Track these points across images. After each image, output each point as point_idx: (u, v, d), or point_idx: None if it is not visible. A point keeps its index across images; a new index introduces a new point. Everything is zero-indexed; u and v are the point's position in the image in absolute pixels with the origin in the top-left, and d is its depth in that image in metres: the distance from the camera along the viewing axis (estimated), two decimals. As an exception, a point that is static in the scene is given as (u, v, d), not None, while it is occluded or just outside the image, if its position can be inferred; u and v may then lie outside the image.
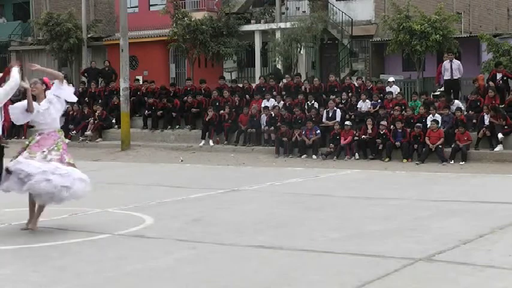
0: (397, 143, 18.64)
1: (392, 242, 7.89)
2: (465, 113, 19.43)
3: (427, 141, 18.20)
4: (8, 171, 8.39)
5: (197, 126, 22.75)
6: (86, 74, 27.54)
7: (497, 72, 20.64)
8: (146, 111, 23.84)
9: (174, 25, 28.48)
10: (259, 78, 24.92)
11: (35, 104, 8.70)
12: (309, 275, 6.51)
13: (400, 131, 18.76)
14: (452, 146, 18.07)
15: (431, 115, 18.97)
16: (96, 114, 23.95)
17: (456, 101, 20.09)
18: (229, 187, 13.17)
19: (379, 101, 20.69)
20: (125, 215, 10.11)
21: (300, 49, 28.16)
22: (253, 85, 24.20)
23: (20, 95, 26.03)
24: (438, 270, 6.62)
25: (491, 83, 20.06)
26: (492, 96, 19.28)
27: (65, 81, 9.17)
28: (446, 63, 21.23)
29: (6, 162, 8.55)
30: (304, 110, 21.15)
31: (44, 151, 8.55)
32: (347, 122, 19.66)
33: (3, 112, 8.71)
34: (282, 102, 21.83)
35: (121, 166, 18.43)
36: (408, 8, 24.26)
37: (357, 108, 20.81)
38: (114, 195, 12.37)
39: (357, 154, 19.03)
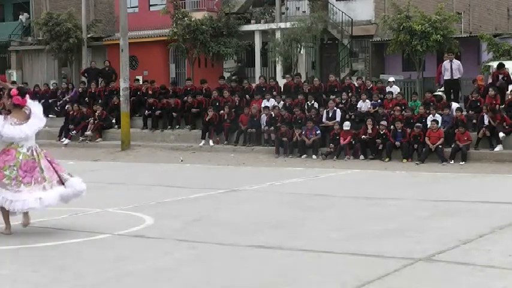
0: (397, 143, 18.64)
1: (392, 242, 7.89)
2: (465, 113, 19.44)
3: (427, 141, 18.20)
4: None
5: (197, 126, 22.74)
6: (86, 74, 27.55)
7: (499, 74, 20.66)
8: (146, 111, 23.84)
9: (174, 25, 28.48)
10: (259, 78, 24.93)
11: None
12: (309, 275, 6.51)
13: (400, 131, 18.75)
14: (452, 146, 18.07)
15: (431, 115, 18.98)
16: (96, 114, 23.95)
17: (454, 104, 20.03)
18: (229, 187, 13.16)
19: (379, 101, 20.70)
20: (125, 215, 10.11)
21: (300, 49, 28.16)
22: (253, 85, 24.22)
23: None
24: (438, 270, 6.62)
25: (500, 77, 20.04)
26: (493, 96, 19.27)
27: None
28: (446, 63, 21.23)
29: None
30: (304, 110, 21.15)
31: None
32: (346, 123, 19.64)
33: None
34: (282, 102, 21.84)
35: (121, 166, 18.43)
36: (408, 8, 24.27)
37: (357, 108, 20.81)
38: (114, 195, 12.37)
39: (361, 156, 18.95)
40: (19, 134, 8.43)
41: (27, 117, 8.56)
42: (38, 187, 8.38)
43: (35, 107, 8.75)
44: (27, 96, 8.69)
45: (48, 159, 8.65)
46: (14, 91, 8.55)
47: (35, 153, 8.48)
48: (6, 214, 8.51)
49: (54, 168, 8.60)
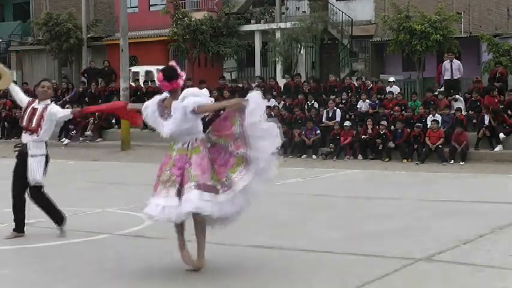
0: (392, 144, 18.55)
1: (392, 242, 7.89)
2: (465, 113, 19.44)
3: (427, 141, 18.20)
4: None
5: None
6: (85, 74, 27.55)
7: (496, 72, 20.75)
8: (146, 111, 23.81)
9: (174, 25, 28.49)
10: (256, 78, 24.93)
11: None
12: (309, 275, 6.51)
13: (399, 131, 18.75)
14: (450, 147, 18.01)
15: (431, 115, 18.97)
16: (96, 114, 23.94)
17: (459, 97, 20.16)
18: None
19: (377, 101, 20.72)
20: (125, 215, 10.10)
21: (300, 49, 28.17)
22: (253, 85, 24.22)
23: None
24: (438, 270, 6.62)
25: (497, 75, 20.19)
26: (494, 96, 19.29)
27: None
28: (446, 63, 21.26)
29: None
30: (304, 110, 21.15)
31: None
32: (346, 122, 19.66)
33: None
34: (282, 102, 21.83)
35: (121, 166, 18.42)
36: (408, 8, 24.27)
37: (357, 108, 20.82)
38: (114, 195, 12.36)
39: (360, 156, 18.97)
40: (165, 132, 6.75)
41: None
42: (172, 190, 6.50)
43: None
44: (181, 77, 6.74)
45: (208, 156, 6.59)
46: (159, 76, 6.79)
47: (189, 147, 6.62)
48: (179, 233, 6.86)
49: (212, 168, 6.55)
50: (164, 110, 6.73)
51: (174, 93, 6.70)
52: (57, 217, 8.42)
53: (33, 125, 8.28)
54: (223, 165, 6.54)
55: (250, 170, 6.53)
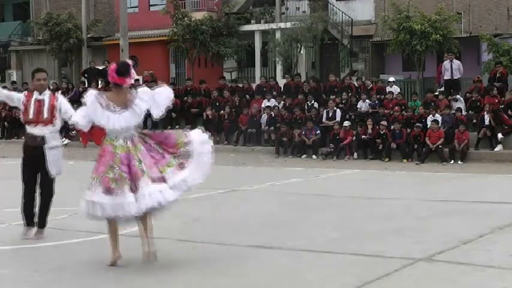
0: (393, 144, 18.59)
1: (392, 242, 7.89)
2: (465, 113, 19.45)
3: (427, 141, 18.20)
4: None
5: (197, 126, 22.71)
6: (85, 74, 27.54)
7: (496, 71, 20.77)
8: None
9: (174, 25, 28.50)
10: (260, 78, 24.94)
11: None
12: (309, 275, 6.51)
13: (398, 132, 18.75)
14: (450, 147, 18.00)
15: (431, 115, 18.98)
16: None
17: (459, 97, 20.20)
18: (229, 187, 13.15)
19: (377, 101, 20.73)
20: (125, 215, 10.08)
21: (300, 49, 28.16)
22: (254, 85, 24.24)
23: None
24: (438, 270, 6.62)
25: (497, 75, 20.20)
26: (493, 96, 19.29)
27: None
28: (446, 63, 21.27)
29: None
30: (304, 110, 21.16)
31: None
32: (346, 122, 19.65)
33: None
34: (282, 102, 21.85)
35: (121, 166, 18.42)
36: (408, 8, 24.27)
37: (357, 108, 20.82)
38: (114, 195, 12.33)
39: (355, 154, 19.00)
40: (113, 125, 6.73)
41: (129, 102, 6.76)
42: (144, 181, 6.62)
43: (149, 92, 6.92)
44: (131, 75, 6.80)
45: (146, 151, 6.77)
46: (112, 66, 6.81)
47: (130, 144, 6.72)
48: (114, 233, 6.96)
49: (155, 162, 6.75)
50: (109, 103, 6.75)
51: (120, 89, 6.79)
52: (45, 220, 8.32)
53: (46, 115, 8.05)
54: (155, 163, 6.74)
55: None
